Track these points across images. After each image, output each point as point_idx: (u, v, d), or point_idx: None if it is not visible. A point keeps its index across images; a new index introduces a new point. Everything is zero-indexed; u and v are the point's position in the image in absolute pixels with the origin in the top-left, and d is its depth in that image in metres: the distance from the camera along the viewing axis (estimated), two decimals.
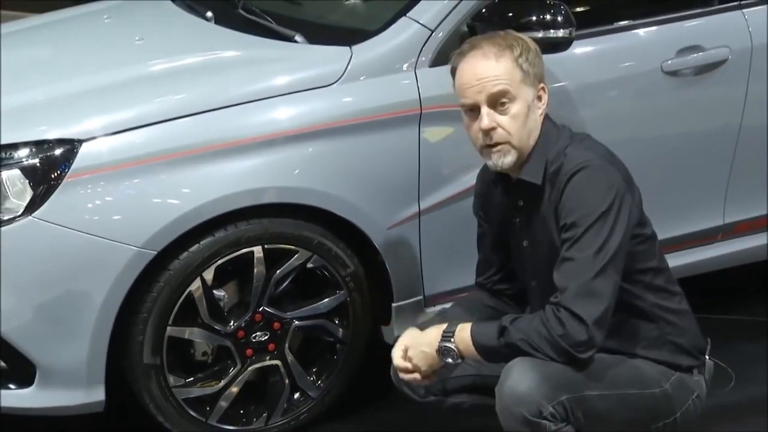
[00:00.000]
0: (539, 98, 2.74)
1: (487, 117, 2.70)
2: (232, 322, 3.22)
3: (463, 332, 2.67)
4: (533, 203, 2.77)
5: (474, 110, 2.73)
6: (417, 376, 2.75)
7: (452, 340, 2.67)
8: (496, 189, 2.87)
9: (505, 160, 2.72)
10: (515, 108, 2.69)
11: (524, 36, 2.80)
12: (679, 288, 2.87)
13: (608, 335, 2.64)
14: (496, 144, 2.71)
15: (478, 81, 2.70)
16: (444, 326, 2.71)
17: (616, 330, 2.71)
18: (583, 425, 2.66)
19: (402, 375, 2.78)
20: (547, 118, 2.78)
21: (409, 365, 2.75)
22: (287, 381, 3.32)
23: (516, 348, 2.61)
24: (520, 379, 2.59)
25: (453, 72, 2.79)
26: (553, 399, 2.60)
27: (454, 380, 2.92)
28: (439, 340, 2.69)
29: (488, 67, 2.70)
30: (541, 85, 2.75)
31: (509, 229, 2.88)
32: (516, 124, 2.70)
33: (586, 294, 2.57)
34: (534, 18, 3.18)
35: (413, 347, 2.75)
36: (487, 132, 2.70)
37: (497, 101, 2.69)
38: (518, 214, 2.84)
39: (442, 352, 2.69)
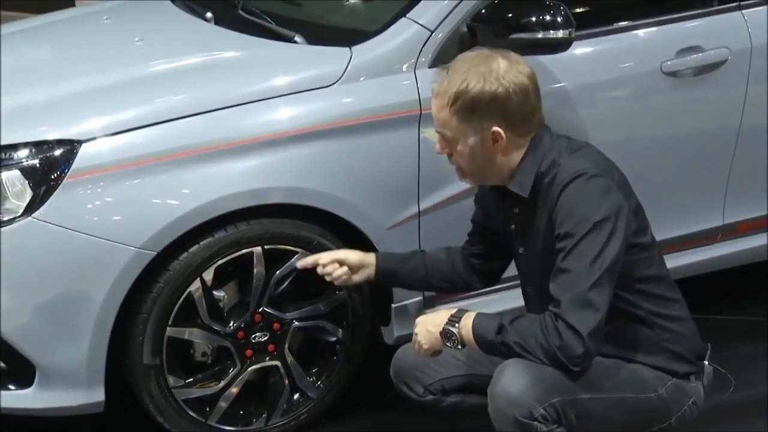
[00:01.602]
0: (494, 140, 2.69)
1: (438, 144, 2.78)
2: (231, 322, 3.22)
3: (468, 320, 2.68)
4: (528, 212, 2.77)
5: None
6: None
7: (457, 325, 2.68)
8: (494, 193, 2.88)
9: (464, 180, 2.82)
10: (458, 147, 2.73)
11: (495, 71, 2.66)
12: (679, 294, 2.86)
13: (606, 340, 2.64)
14: (454, 167, 2.79)
15: (432, 112, 2.77)
16: (454, 310, 2.73)
17: (613, 336, 2.71)
18: (576, 427, 2.66)
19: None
20: (542, 127, 2.77)
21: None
22: (287, 381, 3.32)
23: (510, 348, 2.62)
24: (512, 380, 2.60)
25: None
26: (544, 401, 2.60)
27: (451, 380, 2.93)
28: (445, 322, 2.70)
29: (434, 106, 2.75)
30: (494, 129, 2.67)
31: (506, 235, 2.89)
32: (462, 159, 2.75)
33: (582, 305, 2.57)
34: (533, 19, 3.18)
35: (421, 323, 2.77)
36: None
37: (444, 136, 2.75)
38: (513, 222, 2.84)
39: (445, 335, 2.70)
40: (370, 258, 3.09)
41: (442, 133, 2.74)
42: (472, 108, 2.66)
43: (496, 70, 2.66)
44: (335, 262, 3.07)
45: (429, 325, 2.74)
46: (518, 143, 2.72)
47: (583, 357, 2.58)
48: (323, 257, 3.09)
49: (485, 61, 2.69)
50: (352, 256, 3.08)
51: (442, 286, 3.15)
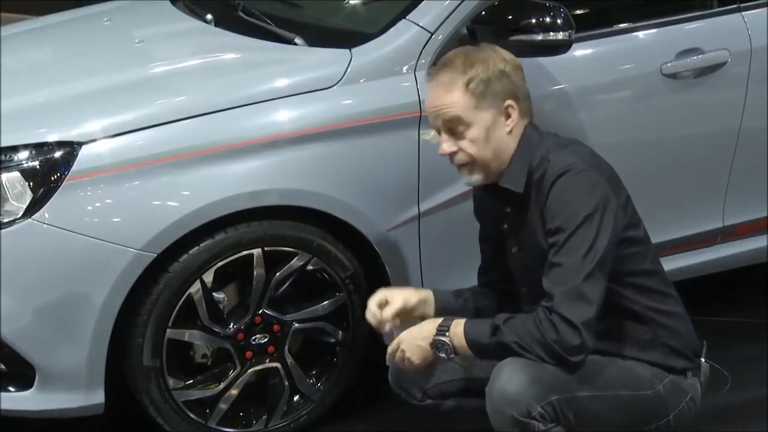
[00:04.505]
0: (506, 116, 2.73)
1: (445, 144, 2.76)
2: (231, 324, 3.22)
3: (458, 327, 2.69)
4: (519, 210, 2.78)
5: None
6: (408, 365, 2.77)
7: (447, 334, 2.69)
8: (486, 195, 2.88)
9: (472, 178, 2.78)
10: (472, 133, 2.72)
11: (493, 54, 2.75)
12: (673, 290, 2.87)
13: (602, 337, 2.65)
14: (460, 165, 2.76)
15: (433, 109, 2.76)
16: (439, 321, 2.73)
17: (609, 332, 2.72)
18: (574, 426, 2.66)
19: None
20: (529, 123, 2.78)
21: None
22: (287, 383, 3.32)
23: (507, 348, 2.62)
24: (509, 379, 2.61)
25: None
26: (542, 399, 2.60)
27: (449, 383, 2.93)
28: (434, 333, 2.70)
29: (440, 96, 2.74)
30: (507, 103, 2.72)
31: (499, 235, 2.89)
32: (475, 147, 2.73)
33: (576, 298, 2.58)
34: (533, 20, 3.19)
35: (408, 340, 2.76)
36: (449, 156, 2.76)
37: (454, 127, 2.73)
38: (506, 221, 2.85)
39: (436, 346, 2.70)
40: (428, 296, 2.94)
41: (452, 122, 2.72)
42: (488, 83, 2.69)
43: (493, 53, 2.75)
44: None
45: (417, 340, 2.74)
46: (520, 124, 2.75)
47: (581, 348, 2.58)
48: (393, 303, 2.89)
49: (478, 49, 2.78)
50: (412, 298, 2.90)
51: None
